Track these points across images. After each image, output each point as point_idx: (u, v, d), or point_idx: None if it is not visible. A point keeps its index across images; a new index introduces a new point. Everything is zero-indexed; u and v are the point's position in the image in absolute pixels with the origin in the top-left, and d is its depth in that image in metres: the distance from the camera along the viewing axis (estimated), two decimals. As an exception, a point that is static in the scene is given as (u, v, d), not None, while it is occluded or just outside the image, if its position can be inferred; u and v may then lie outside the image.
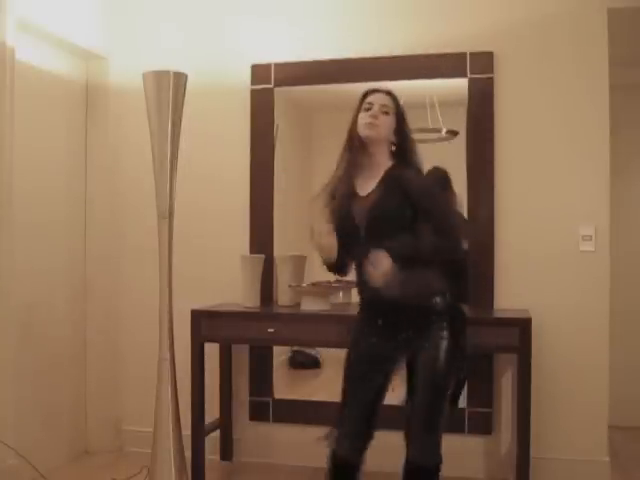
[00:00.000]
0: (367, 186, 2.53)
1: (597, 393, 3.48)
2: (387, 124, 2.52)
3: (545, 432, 3.46)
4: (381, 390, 2.59)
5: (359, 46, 3.71)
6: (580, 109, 3.50)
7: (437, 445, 2.49)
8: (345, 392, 2.59)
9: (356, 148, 2.53)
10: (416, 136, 3.74)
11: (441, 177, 3.56)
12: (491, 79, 3.56)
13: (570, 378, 3.49)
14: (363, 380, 2.57)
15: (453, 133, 3.69)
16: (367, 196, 2.51)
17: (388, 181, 2.50)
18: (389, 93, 2.58)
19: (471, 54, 3.57)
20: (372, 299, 2.55)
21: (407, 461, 2.50)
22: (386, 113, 2.52)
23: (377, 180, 2.51)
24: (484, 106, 3.56)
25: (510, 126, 3.57)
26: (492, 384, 3.57)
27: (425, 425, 2.48)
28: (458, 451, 3.59)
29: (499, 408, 3.58)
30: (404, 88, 3.66)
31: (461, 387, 3.00)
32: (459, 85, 3.60)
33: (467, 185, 3.59)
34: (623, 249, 4.19)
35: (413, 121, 3.70)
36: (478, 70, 3.56)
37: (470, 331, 3.18)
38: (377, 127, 2.50)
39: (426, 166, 3.72)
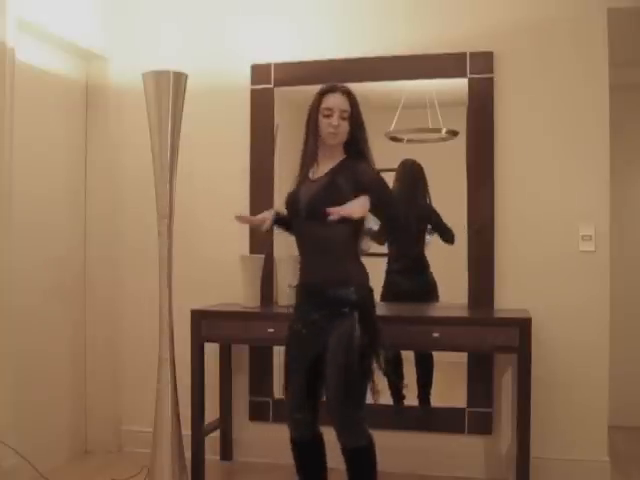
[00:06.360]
0: (319, 172, 2.74)
1: (597, 393, 3.47)
2: (346, 128, 2.72)
3: (545, 432, 3.46)
4: (311, 375, 2.72)
5: (359, 46, 3.71)
6: (580, 109, 3.50)
7: (361, 425, 2.63)
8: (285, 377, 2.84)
9: (316, 144, 2.74)
10: (416, 136, 3.79)
11: (414, 168, 3.74)
12: (491, 79, 3.56)
13: (570, 378, 3.48)
14: (294, 364, 2.78)
15: (453, 133, 3.69)
16: (315, 181, 2.72)
17: (338, 170, 2.70)
18: (346, 93, 2.73)
19: (471, 54, 3.57)
20: (302, 284, 2.77)
21: (341, 448, 2.64)
22: (344, 118, 2.70)
23: (330, 168, 2.72)
24: (484, 106, 3.57)
25: (510, 126, 3.57)
26: (492, 384, 3.57)
27: (343, 410, 2.62)
28: (458, 451, 3.60)
29: (499, 408, 3.57)
30: (404, 88, 3.70)
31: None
32: (459, 85, 3.60)
33: (467, 185, 3.60)
34: (623, 249, 4.19)
35: (413, 121, 3.76)
36: (478, 70, 3.56)
37: (470, 331, 3.22)
38: (338, 135, 2.71)
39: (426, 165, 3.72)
